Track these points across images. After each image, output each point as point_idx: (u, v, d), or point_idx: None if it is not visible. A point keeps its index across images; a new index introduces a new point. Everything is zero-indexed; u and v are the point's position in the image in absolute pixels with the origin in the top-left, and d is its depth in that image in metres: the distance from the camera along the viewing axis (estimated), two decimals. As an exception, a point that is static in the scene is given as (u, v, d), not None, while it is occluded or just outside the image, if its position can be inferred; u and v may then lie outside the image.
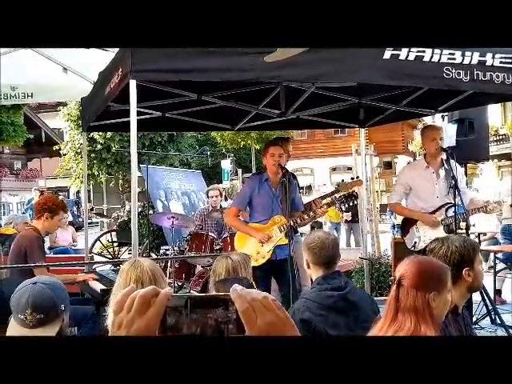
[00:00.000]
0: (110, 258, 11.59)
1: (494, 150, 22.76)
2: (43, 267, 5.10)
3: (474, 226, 9.31)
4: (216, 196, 8.26)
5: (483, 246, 9.01)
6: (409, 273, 2.42)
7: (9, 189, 31.88)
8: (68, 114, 20.12)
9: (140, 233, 11.32)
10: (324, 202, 5.80)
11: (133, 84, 3.89)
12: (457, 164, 5.54)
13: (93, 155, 19.61)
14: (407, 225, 5.76)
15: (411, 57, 4.24)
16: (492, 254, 7.98)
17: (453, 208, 5.43)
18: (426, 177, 5.65)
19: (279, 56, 3.04)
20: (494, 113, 21.53)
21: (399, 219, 9.07)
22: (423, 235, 5.55)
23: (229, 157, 24.33)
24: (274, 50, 2.86)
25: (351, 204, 5.49)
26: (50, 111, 29.74)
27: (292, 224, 5.18)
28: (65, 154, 21.29)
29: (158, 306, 1.02)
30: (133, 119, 3.98)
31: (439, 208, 5.55)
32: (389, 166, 36.53)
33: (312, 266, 3.45)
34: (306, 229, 9.76)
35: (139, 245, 10.09)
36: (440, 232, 5.41)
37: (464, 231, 6.33)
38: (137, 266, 2.70)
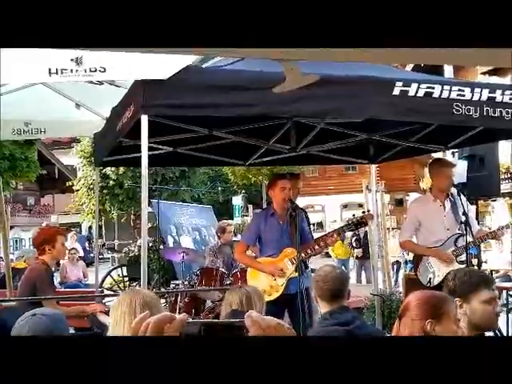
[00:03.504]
0: (120, 294, 11.54)
1: (506, 187, 22.62)
2: (53, 300, 5.10)
3: (486, 262, 9.24)
4: (231, 231, 8.29)
5: (496, 283, 8.90)
6: (408, 305, 2.44)
7: (22, 225, 31.98)
8: (81, 151, 20.34)
9: (150, 268, 11.31)
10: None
11: (144, 119, 3.95)
12: (464, 200, 5.49)
13: (105, 191, 19.74)
14: (419, 260, 5.70)
15: (420, 93, 4.27)
16: (505, 292, 7.88)
17: (461, 238, 5.38)
18: (434, 210, 5.60)
19: (287, 87, 3.06)
20: (506, 150, 21.48)
21: (411, 255, 9.00)
22: (437, 270, 5.49)
23: (240, 193, 24.38)
24: (282, 81, 2.89)
25: (357, 233, 5.49)
26: (64, 148, 30.02)
27: (304, 256, 5.17)
28: (77, 190, 21.43)
29: (171, 332, 1.02)
30: (144, 154, 4.02)
31: (448, 239, 5.49)
32: (400, 203, 36.34)
33: (319, 300, 3.42)
34: (315, 265, 9.68)
35: (150, 280, 10.08)
36: (454, 265, 5.35)
37: (476, 268, 6.27)
38: (138, 292, 2.71)
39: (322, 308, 3.41)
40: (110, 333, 2.69)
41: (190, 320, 1.06)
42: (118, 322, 2.61)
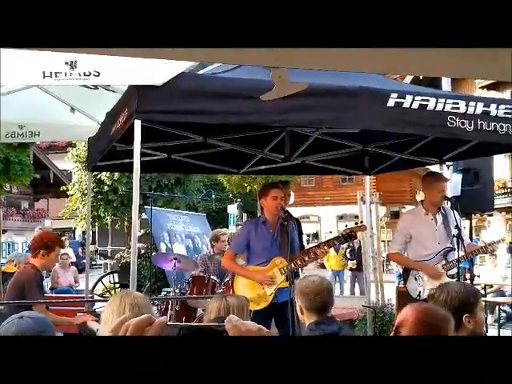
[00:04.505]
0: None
1: (502, 202, 22.72)
2: (42, 305, 5.05)
3: (479, 276, 9.23)
4: (226, 240, 8.25)
5: (489, 298, 8.90)
6: (407, 321, 2.37)
7: (15, 229, 31.89)
8: (76, 155, 20.28)
9: (142, 275, 11.27)
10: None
11: (137, 124, 3.94)
12: (457, 213, 5.48)
13: (99, 196, 19.66)
14: (408, 273, 5.68)
15: (415, 105, 4.28)
16: (497, 307, 7.87)
17: (452, 252, 5.37)
18: (425, 224, 5.58)
19: (275, 94, 3.05)
20: (501, 165, 21.56)
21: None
22: (427, 283, 5.47)
23: (235, 202, 24.37)
24: (270, 88, 2.88)
25: (350, 245, 5.49)
26: (60, 152, 29.99)
27: (293, 266, 5.14)
28: (72, 195, 21.36)
29: (151, 334, 1.02)
30: (136, 159, 4.02)
31: (438, 253, 5.47)
32: (396, 216, 36.39)
33: (305, 311, 3.37)
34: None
35: (141, 287, 10.04)
36: (443, 279, 5.33)
37: (468, 282, 6.26)
38: (129, 293, 2.69)
39: (307, 319, 3.37)
40: (99, 332, 2.69)
41: (170, 323, 1.05)
42: (107, 321, 2.61)
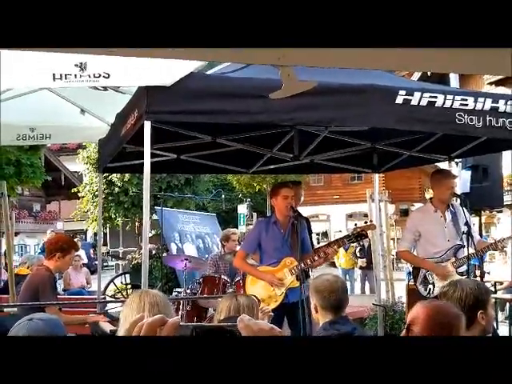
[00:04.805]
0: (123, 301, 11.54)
1: (511, 199, 22.57)
2: (55, 306, 5.07)
3: (489, 273, 9.20)
4: (236, 240, 8.26)
5: (499, 295, 8.86)
6: (419, 318, 2.37)
7: (27, 231, 32.04)
8: (87, 157, 20.33)
9: (153, 275, 11.30)
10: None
11: (147, 125, 3.96)
12: (467, 210, 5.46)
13: (110, 198, 19.71)
14: (418, 271, 5.68)
15: (423, 102, 4.28)
16: (508, 304, 7.84)
17: (462, 249, 5.36)
18: (434, 221, 5.56)
19: (284, 93, 3.07)
20: (510, 162, 21.42)
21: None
22: (437, 281, 5.46)
23: (245, 201, 24.38)
24: (279, 87, 2.90)
25: (361, 244, 5.48)
26: (70, 154, 30.11)
27: (303, 266, 5.15)
28: (83, 197, 21.43)
29: (164, 335, 1.03)
30: (146, 160, 4.03)
31: (448, 250, 5.46)
32: (405, 213, 36.25)
33: (320, 310, 3.34)
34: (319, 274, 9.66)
35: (152, 287, 10.05)
36: (453, 276, 5.32)
37: (478, 279, 6.24)
38: (148, 292, 2.69)
39: (321, 318, 3.35)
40: (118, 331, 2.68)
41: (183, 323, 1.07)
42: (126, 320, 2.60)
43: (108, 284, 12.34)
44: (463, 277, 5.25)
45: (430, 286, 5.53)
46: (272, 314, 3.80)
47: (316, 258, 5.34)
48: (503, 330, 6.58)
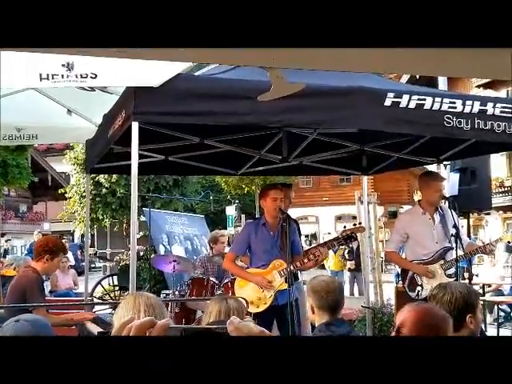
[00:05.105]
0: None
1: (499, 201, 22.77)
2: (43, 308, 5.03)
3: (477, 276, 9.24)
4: (225, 242, 8.24)
5: (488, 297, 8.90)
6: (407, 321, 2.37)
7: (14, 232, 31.85)
8: (74, 158, 20.26)
9: (141, 277, 11.25)
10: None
11: (135, 126, 3.93)
12: (455, 213, 5.48)
13: (98, 199, 19.65)
14: (406, 273, 5.69)
15: (412, 104, 4.28)
16: (496, 307, 7.88)
17: (450, 252, 5.38)
18: (423, 223, 5.58)
19: (272, 95, 3.06)
20: (499, 164, 21.59)
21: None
22: (425, 283, 5.48)
23: (234, 203, 24.37)
24: (268, 89, 2.88)
25: (350, 246, 5.49)
26: (58, 155, 29.98)
27: (292, 268, 5.13)
28: (70, 198, 21.33)
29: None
30: (134, 161, 4.01)
31: (437, 253, 5.48)
32: (394, 215, 36.38)
33: (317, 310, 3.33)
34: (310, 276, 9.67)
35: (140, 289, 10.01)
36: (441, 278, 5.33)
37: (467, 281, 6.26)
38: (142, 294, 2.67)
39: (318, 319, 3.34)
40: (113, 333, 2.65)
41: (172, 325, 1.06)
42: (122, 320, 2.56)
43: (95, 286, 12.28)
44: (452, 279, 5.26)
45: (419, 288, 5.54)
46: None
47: (306, 260, 5.33)
48: (491, 333, 6.61)
